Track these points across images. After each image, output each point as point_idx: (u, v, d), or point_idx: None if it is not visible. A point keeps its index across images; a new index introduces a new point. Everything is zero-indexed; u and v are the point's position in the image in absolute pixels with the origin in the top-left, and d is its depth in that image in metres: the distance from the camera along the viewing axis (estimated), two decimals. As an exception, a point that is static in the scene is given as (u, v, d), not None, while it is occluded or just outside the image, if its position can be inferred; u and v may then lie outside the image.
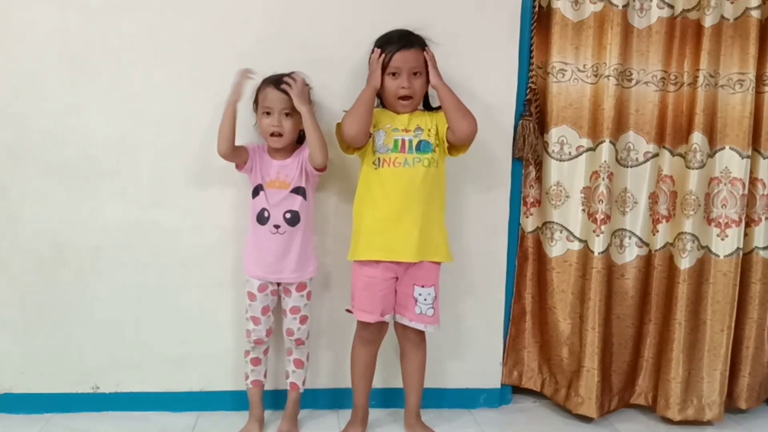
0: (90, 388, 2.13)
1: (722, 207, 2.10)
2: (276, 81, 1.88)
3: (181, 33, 2.00)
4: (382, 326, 1.97)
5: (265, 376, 2.03)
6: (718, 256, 2.11)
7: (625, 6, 2.05)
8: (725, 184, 2.09)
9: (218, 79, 2.01)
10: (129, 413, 2.12)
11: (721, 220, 2.10)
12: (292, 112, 1.87)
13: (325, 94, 2.03)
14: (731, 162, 2.08)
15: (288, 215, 1.91)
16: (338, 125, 1.90)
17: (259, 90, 1.91)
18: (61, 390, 2.12)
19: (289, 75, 1.89)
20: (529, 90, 2.14)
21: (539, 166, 2.20)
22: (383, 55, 1.84)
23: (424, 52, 1.88)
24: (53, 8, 1.95)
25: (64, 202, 2.03)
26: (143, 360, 2.13)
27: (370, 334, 1.96)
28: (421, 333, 1.99)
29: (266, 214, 1.91)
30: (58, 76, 1.98)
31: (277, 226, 1.90)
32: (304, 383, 2.04)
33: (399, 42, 1.85)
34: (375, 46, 1.88)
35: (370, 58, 1.90)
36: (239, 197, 2.02)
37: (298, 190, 1.92)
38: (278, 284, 1.97)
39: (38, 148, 2.00)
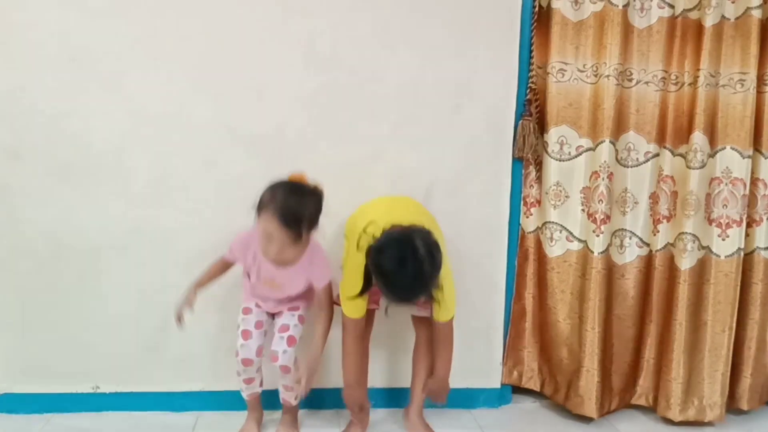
0: (90, 388, 2.13)
1: (723, 207, 2.09)
2: (282, 213, 1.69)
3: (181, 33, 1.99)
4: (366, 319, 1.94)
5: (261, 385, 1.99)
6: (719, 257, 2.10)
7: (626, 6, 2.05)
8: (726, 184, 2.09)
9: (218, 79, 2.02)
10: (129, 413, 2.12)
11: (722, 221, 2.10)
12: (295, 243, 1.76)
13: (326, 95, 2.03)
14: (732, 162, 2.08)
15: (286, 298, 1.94)
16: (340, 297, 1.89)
17: (262, 207, 1.72)
18: (61, 390, 2.12)
19: (296, 205, 1.72)
20: (529, 90, 2.13)
21: (539, 166, 2.19)
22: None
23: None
24: (53, 8, 1.95)
25: (64, 202, 2.03)
26: (143, 360, 2.13)
27: (355, 325, 1.91)
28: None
29: (262, 295, 1.94)
30: (58, 76, 1.98)
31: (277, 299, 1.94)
32: (296, 398, 1.99)
33: (401, 301, 1.73)
34: (380, 275, 1.68)
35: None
36: (239, 196, 2.01)
37: (299, 295, 1.93)
38: None
39: (38, 148, 2.00)
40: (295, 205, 1.71)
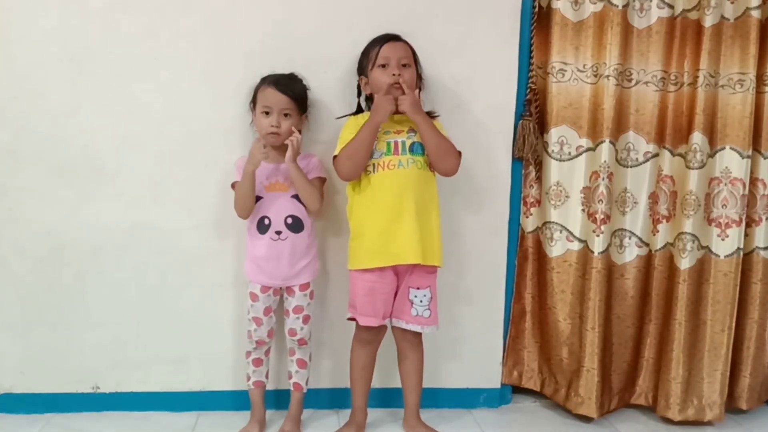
0: (90, 387, 2.13)
1: (722, 207, 2.10)
2: (276, 81, 1.89)
3: (181, 33, 2.00)
4: (381, 328, 1.97)
5: (266, 376, 2.03)
6: (719, 256, 2.10)
7: (625, 6, 2.05)
8: (725, 184, 2.09)
9: (218, 79, 2.02)
10: (129, 413, 2.12)
11: (721, 220, 2.10)
12: (291, 113, 1.89)
13: (324, 94, 2.03)
14: (731, 162, 2.08)
15: (290, 220, 1.91)
16: (335, 158, 1.88)
17: (258, 89, 1.91)
18: (61, 390, 2.12)
19: (288, 76, 1.91)
20: (529, 90, 2.14)
21: (539, 166, 2.20)
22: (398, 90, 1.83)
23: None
24: (53, 8, 1.95)
25: (64, 202, 2.03)
26: (143, 360, 2.13)
27: (370, 335, 1.97)
28: (418, 334, 1.99)
29: (266, 222, 1.91)
30: (58, 76, 1.98)
31: (278, 232, 1.90)
32: (307, 383, 2.03)
33: (386, 37, 1.90)
34: (366, 48, 1.92)
35: (359, 77, 1.95)
36: (239, 197, 2.02)
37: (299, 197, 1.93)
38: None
39: (38, 148, 2.00)
40: (285, 76, 1.92)
